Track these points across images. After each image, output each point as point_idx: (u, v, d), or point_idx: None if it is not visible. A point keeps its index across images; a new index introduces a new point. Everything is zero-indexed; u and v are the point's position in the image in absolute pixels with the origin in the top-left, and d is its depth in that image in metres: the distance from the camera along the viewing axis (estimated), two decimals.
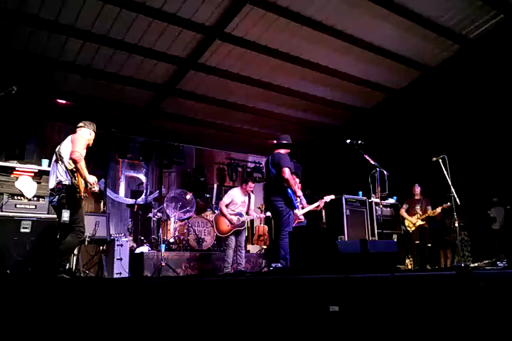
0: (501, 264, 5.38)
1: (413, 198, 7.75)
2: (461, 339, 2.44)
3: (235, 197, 6.67)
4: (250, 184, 6.73)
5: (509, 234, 6.94)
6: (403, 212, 7.77)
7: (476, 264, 5.66)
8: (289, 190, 5.16)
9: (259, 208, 7.97)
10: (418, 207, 7.59)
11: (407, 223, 7.69)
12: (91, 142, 4.70)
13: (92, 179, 4.38)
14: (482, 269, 4.85)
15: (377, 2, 6.24)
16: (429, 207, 7.51)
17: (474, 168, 7.07)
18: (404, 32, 6.99)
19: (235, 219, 6.50)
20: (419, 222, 7.47)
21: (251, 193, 6.91)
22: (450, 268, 5.30)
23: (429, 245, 7.44)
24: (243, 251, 6.64)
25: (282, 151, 5.42)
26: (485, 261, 5.92)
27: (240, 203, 6.67)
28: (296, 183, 5.29)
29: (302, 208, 7.00)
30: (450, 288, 2.96)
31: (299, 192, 5.20)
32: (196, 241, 7.28)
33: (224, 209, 6.56)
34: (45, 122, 8.33)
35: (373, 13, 6.47)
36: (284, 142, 5.47)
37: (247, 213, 6.71)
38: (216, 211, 7.99)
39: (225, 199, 6.68)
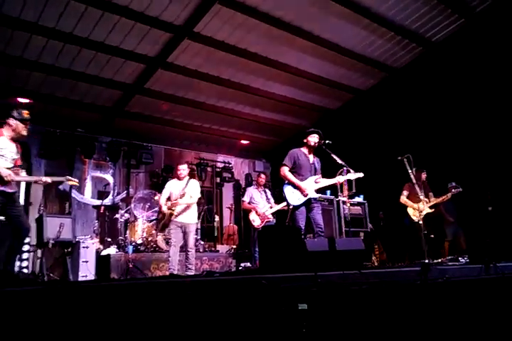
0: (463, 260, 5.57)
1: (415, 183, 6.58)
2: (423, 332, 2.51)
3: (172, 189, 6.12)
4: (178, 166, 6.21)
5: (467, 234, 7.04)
6: (405, 199, 6.89)
7: (439, 260, 5.82)
8: (284, 187, 5.22)
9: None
10: (421, 194, 6.62)
11: (411, 212, 6.83)
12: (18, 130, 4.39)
13: (5, 172, 4.09)
14: (445, 265, 5.01)
15: (345, 4, 6.36)
16: (431, 193, 6.93)
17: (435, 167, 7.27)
18: (370, 34, 7.15)
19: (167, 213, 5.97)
20: (428, 210, 6.64)
21: (191, 179, 6.22)
22: (415, 263, 5.44)
23: (432, 236, 6.62)
24: (190, 254, 5.86)
25: (302, 148, 5.43)
26: (448, 257, 6.09)
27: (178, 191, 6.03)
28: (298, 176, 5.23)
29: (271, 208, 7.06)
30: (415, 283, 3.04)
31: (302, 184, 5.11)
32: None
33: (163, 207, 6.06)
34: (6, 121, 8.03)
35: (341, 15, 6.59)
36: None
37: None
38: None
39: (164, 194, 6.17)
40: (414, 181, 6.48)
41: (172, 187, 6.13)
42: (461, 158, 7.10)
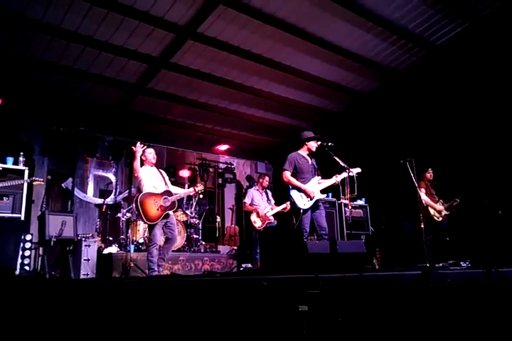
0: (464, 264, 5.55)
1: (428, 181, 6.72)
2: (423, 335, 2.51)
3: (148, 174, 5.62)
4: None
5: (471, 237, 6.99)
6: (426, 198, 6.45)
7: (440, 264, 5.81)
8: (291, 191, 5.19)
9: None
10: (434, 193, 6.55)
11: (432, 211, 6.54)
12: None
13: None
14: (446, 269, 5.00)
15: (348, 7, 6.35)
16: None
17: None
18: (373, 37, 7.14)
19: (161, 201, 5.39)
20: (444, 212, 6.54)
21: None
22: (416, 267, 5.43)
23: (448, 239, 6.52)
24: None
25: (300, 150, 5.43)
26: (449, 261, 6.07)
27: (156, 178, 5.65)
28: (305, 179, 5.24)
29: (271, 209, 7.06)
30: (416, 287, 3.04)
31: (307, 188, 5.11)
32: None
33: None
34: (9, 120, 8.06)
35: (345, 17, 6.59)
36: (302, 138, 5.46)
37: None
38: (187, 211, 7.92)
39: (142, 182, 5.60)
40: (427, 181, 6.56)
41: (148, 173, 5.66)
42: (465, 161, 7.07)
